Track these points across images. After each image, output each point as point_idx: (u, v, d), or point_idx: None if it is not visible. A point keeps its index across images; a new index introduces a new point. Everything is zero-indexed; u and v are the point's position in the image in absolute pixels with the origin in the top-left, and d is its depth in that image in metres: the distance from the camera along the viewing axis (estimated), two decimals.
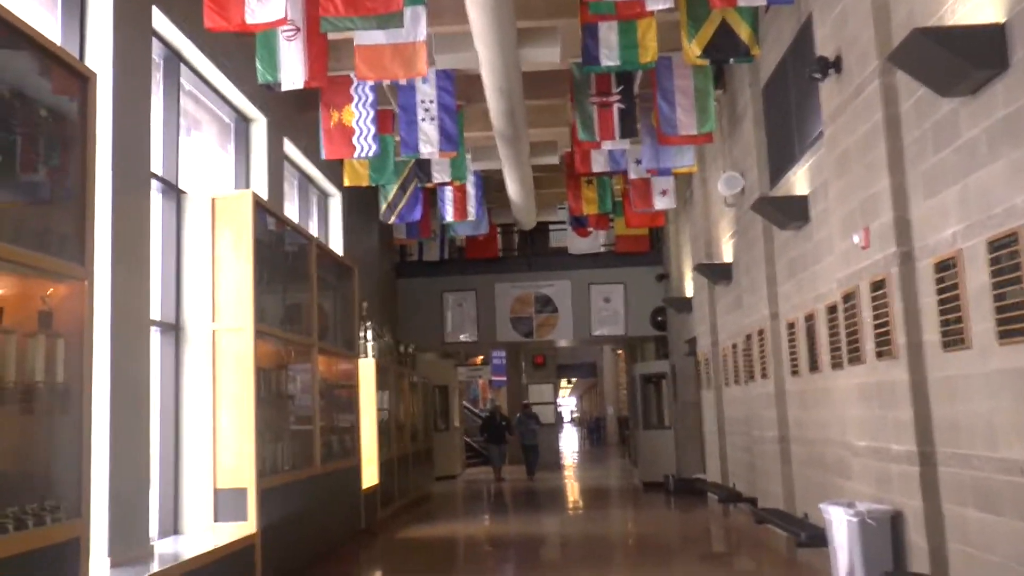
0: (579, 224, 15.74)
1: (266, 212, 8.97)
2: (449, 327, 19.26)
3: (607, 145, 10.66)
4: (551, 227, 21.41)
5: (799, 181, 8.42)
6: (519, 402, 26.32)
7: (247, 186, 10.66)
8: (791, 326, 8.88)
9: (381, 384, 14.45)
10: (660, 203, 13.80)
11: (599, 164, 11.70)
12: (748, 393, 10.96)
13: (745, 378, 11.13)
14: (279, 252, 9.73)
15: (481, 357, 33.57)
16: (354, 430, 12.24)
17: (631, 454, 24.47)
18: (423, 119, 10.50)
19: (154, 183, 8.14)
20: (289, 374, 9.77)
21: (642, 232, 18.07)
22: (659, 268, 18.69)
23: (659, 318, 18.66)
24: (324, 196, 14.34)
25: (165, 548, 7.56)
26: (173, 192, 8.50)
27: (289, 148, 11.91)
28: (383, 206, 14.04)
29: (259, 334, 8.40)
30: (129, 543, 6.92)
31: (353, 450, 12.05)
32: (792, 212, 8.18)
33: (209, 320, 8.25)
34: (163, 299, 8.26)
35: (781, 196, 8.62)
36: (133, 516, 7.07)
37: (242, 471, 8.07)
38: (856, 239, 6.53)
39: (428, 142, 10.47)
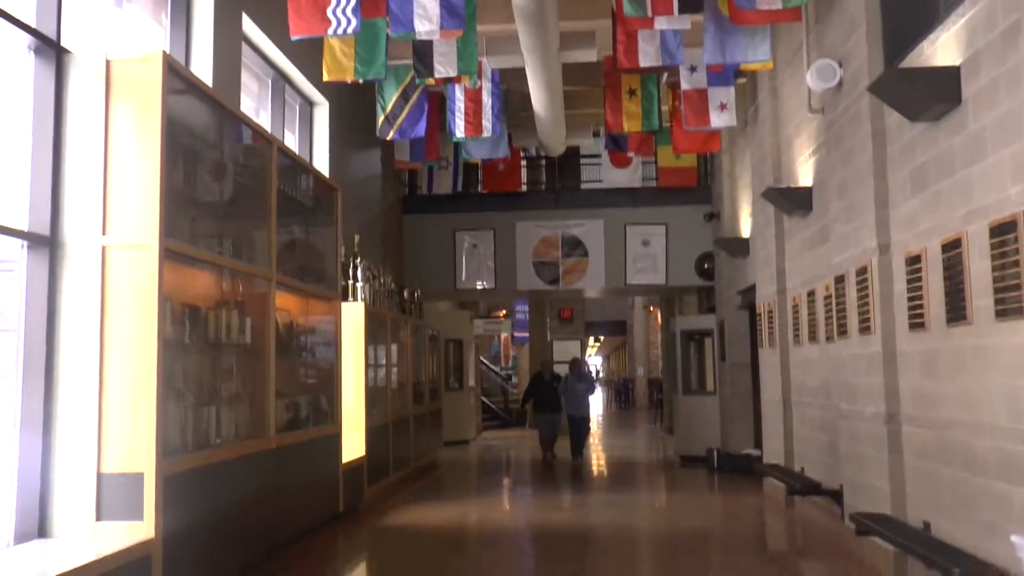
0: (617, 147, 13.14)
1: (191, 85, 6.49)
2: (463, 272, 16.75)
3: (661, 23, 8.06)
4: (583, 160, 18.81)
5: (943, 49, 5.82)
6: (542, 359, 23.88)
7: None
8: (914, 260, 6.33)
9: (374, 335, 12.07)
10: (718, 119, 11.19)
11: (648, 56, 9.08)
12: (832, 353, 8.46)
13: (828, 334, 8.62)
14: (216, 150, 7.29)
15: (504, 312, 31.32)
16: (333, 389, 9.85)
17: (664, 420, 22.10)
18: None
19: (22, 37, 5.71)
20: (230, 315, 7.36)
21: (689, 163, 15.42)
22: (708, 207, 16.04)
23: (706, 265, 16.06)
24: (308, 105, 11.83)
25: (17, 562, 5.23)
26: (51, 51, 6.05)
27: (252, 30, 9.42)
28: (380, 118, 11.58)
29: (169, 254, 5.97)
30: None
31: (330, 415, 9.68)
32: (932, 91, 5.60)
33: (97, 233, 5.81)
34: (32, 202, 5.87)
35: (914, 69, 6.00)
36: None
37: (138, 449, 5.68)
38: None
39: (425, 17, 7.96)
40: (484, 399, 25.59)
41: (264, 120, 10.55)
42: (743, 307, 14.09)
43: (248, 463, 7.27)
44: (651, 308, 36.31)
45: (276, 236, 8.00)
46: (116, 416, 5.68)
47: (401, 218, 16.56)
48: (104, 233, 5.79)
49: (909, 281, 6.44)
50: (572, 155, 17.89)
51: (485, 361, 28.97)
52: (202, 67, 8.10)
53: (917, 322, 6.32)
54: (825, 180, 8.65)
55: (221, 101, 7.04)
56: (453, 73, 9.26)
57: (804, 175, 9.57)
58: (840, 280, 7.88)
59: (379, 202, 14.58)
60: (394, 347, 13.45)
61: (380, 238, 14.65)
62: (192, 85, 6.50)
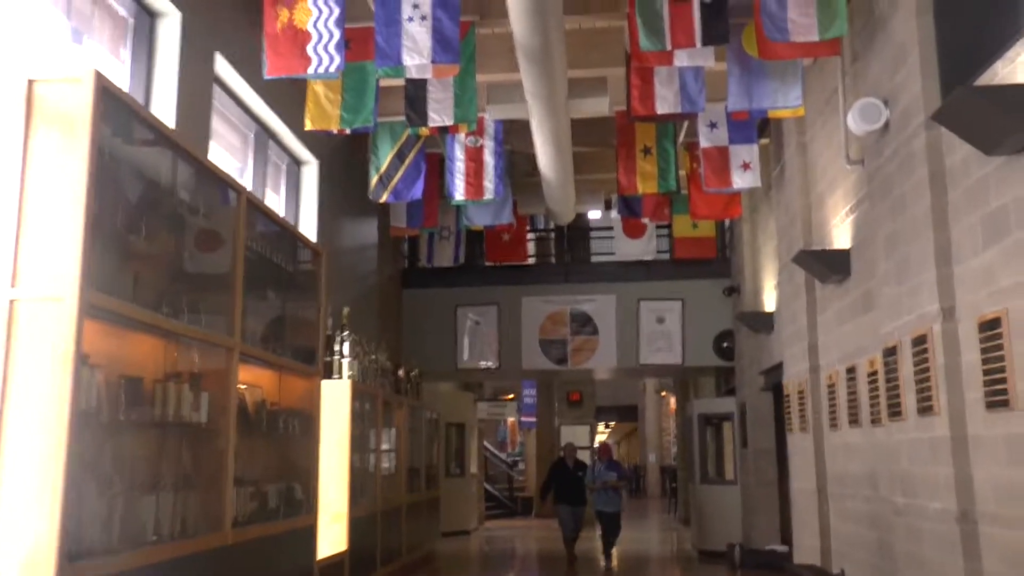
0: (630, 212, 12.16)
1: (133, 114, 5.53)
2: (465, 351, 15.64)
3: (681, 59, 7.15)
4: (592, 233, 17.85)
5: None
6: (549, 445, 22.59)
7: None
8: (989, 325, 5.26)
9: (362, 416, 10.98)
10: (740, 180, 10.28)
11: (667, 102, 8.15)
12: (880, 439, 7.33)
13: (875, 416, 7.51)
14: (168, 196, 6.30)
15: (512, 395, 30.16)
16: (309, 476, 8.69)
17: (679, 510, 20.76)
18: (409, 17, 7.11)
19: None
20: (181, 389, 6.28)
21: (707, 233, 14.42)
22: (727, 281, 14.98)
23: (725, 344, 14.93)
24: (296, 164, 10.93)
25: None
26: None
27: (229, 75, 8.54)
28: (373, 179, 10.69)
29: (96, 311, 4.94)
30: None
31: (305, 504, 8.51)
32: (1020, 111, 4.60)
33: (5, 283, 4.79)
34: None
35: (996, 86, 5.00)
36: None
37: (40, 550, 4.55)
38: None
39: (415, 50, 7.08)
40: (488, 486, 24.26)
41: (245, 179, 9.64)
42: (767, 388, 12.95)
43: (196, 564, 6.11)
44: (663, 393, 35.09)
45: (242, 300, 6.95)
46: (14, 508, 4.58)
47: (400, 292, 15.54)
48: (13, 284, 4.77)
49: (984, 350, 5.35)
50: (582, 226, 16.93)
51: (489, 447, 27.67)
52: (164, 108, 7.18)
53: (997, 399, 5.21)
54: (868, 238, 7.63)
55: (174, 138, 6.08)
56: (449, 121, 8.34)
57: (840, 236, 8.55)
58: (891, 352, 6.78)
59: (375, 274, 13.59)
60: (386, 430, 12.34)
61: (376, 312, 13.62)
62: (135, 114, 5.54)
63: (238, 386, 7.85)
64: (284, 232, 8.50)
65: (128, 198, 5.56)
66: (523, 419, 31.74)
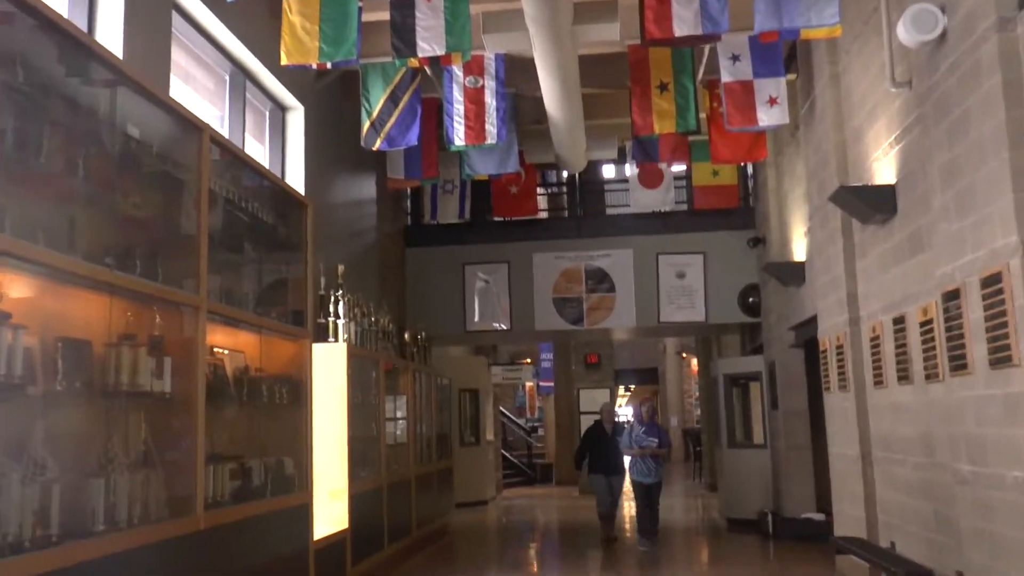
0: (646, 156, 11.22)
1: (61, 33, 4.65)
2: (475, 312, 14.77)
3: None
4: (607, 187, 16.88)
5: None
6: (567, 410, 21.77)
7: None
8: None
9: (363, 383, 10.21)
10: (767, 117, 9.39)
11: (685, 23, 7.20)
12: (938, 396, 6.46)
13: (930, 370, 6.63)
14: (109, 129, 5.43)
15: (529, 360, 29.43)
16: (302, 448, 7.91)
17: (704, 475, 19.98)
18: None
19: None
20: (137, 354, 5.47)
21: (730, 181, 13.45)
22: (751, 232, 14.01)
23: (751, 299, 13.99)
24: (280, 110, 10.04)
25: None
26: None
27: (196, 7, 7.65)
28: (365, 124, 9.81)
29: (11, 261, 4.13)
30: None
31: (297, 480, 7.73)
32: None
33: None
34: None
35: None
36: None
37: None
38: None
39: None
40: (506, 453, 23.54)
41: (223, 127, 8.80)
42: (798, 345, 12.06)
43: (162, 552, 5.35)
44: (684, 354, 34.24)
45: (208, 253, 6.12)
46: None
47: (403, 251, 14.67)
48: None
49: None
50: (595, 178, 15.97)
51: (506, 412, 26.93)
52: (111, 35, 6.31)
53: None
54: (918, 170, 6.70)
55: (113, 61, 5.21)
56: (441, 51, 7.43)
57: (883, 171, 7.62)
58: (951, 297, 5.88)
59: (374, 231, 12.74)
60: (392, 397, 11.56)
61: (376, 273, 12.80)
62: (66, 34, 4.68)
63: (216, 351, 7.11)
64: (262, 180, 7.66)
65: (56, 130, 4.73)
66: (541, 384, 30.99)
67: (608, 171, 17.85)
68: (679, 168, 14.97)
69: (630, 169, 14.23)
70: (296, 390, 7.93)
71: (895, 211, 7.33)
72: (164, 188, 6.00)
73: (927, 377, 6.71)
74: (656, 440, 11.67)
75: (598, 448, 11.91)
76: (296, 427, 7.93)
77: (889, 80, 6.96)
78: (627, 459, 11.96)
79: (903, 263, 7.20)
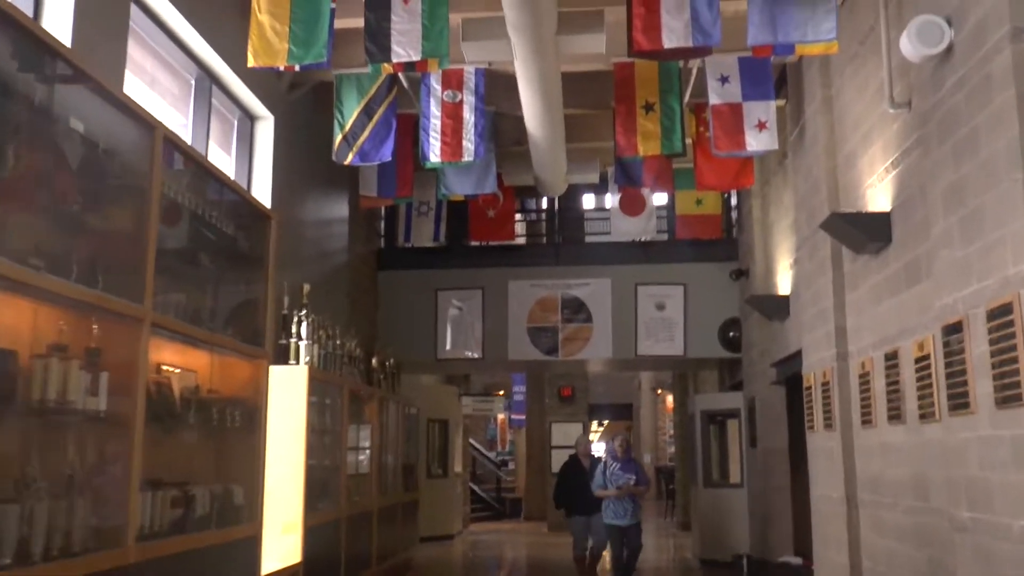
0: (628, 180, 10.82)
1: None
2: (447, 340, 14.26)
3: None
4: (587, 215, 16.48)
5: None
6: (539, 444, 21.24)
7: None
8: None
9: (324, 409, 9.70)
10: (755, 142, 9.05)
11: (675, 35, 6.81)
12: (935, 436, 6.06)
13: (926, 409, 6.23)
14: (47, 121, 4.96)
15: (502, 391, 28.94)
16: (253, 476, 7.38)
17: (676, 514, 19.49)
18: None
19: None
20: (68, 367, 4.96)
21: (713, 210, 13.10)
22: (734, 264, 13.62)
23: (731, 333, 13.59)
24: (248, 119, 9.59)
25: None
26: None
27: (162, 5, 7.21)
28: (337, 138, 9.39)
29: None
30: None
31: (247, 510, 7.20)
32: None
33: None
34: None
35: None
36: None
37: None
38: None
39: None
40: (474, 487, 22.99)
41: (186, 134, 8.33)
42: (779, 382, 11.65)
43: None
44: (659, 391, 33.83)
45: (154, 259, 5.63)
46: None
47: (375, 274, 14.18)
48: None
49: None
50: (574, 205, 15.56)
51: (476, 444, 26.37)
52: (59, 23, 5.85)
53: None
54: (917, 195, 6.34)
55: (58, 47, 4.75)
56: (416, 56, 7.02)
57: (878, 199, 7.26)
58: (953, 330, 5.48)
59: (344, 252, 12.26)
60: (356, 425, 11.04)
61: (346, 295, 12.31)
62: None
63: (165, 369, 6.61)
64: (221, 188, 7.19)
65: None
66: (513, 417, 30.43)
67: (588, 201, 17.48)
68: (661, 201, 14.64)
69: (611, 200, 13.86)
70: (250, 414, 7.39)
71: (890, 240, 6.95)
72: (109, 189, 5.53)
73: (922, 416, 6.30)
74: (633, 477, 10.31)
75: (576, 486, 10.79)
76: (248, 454, 7.39)
77: (888, 100, 6.61)
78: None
79: (898, 295, 6.81)
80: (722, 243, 14.03)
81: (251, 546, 7.21)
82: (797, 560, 11.00)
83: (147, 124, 5.65)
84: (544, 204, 16.00)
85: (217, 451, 7.18)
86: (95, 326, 5.30)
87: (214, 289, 7.18)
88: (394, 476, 12.70)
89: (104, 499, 5.32)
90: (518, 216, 15.78)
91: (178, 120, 8.40)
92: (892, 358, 6.88)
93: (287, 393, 8.66)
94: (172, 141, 5.97)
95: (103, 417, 5.19)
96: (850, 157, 8.05)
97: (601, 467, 10.38)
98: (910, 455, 6.56)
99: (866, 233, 7.09)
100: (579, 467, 11.00)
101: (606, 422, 39.55)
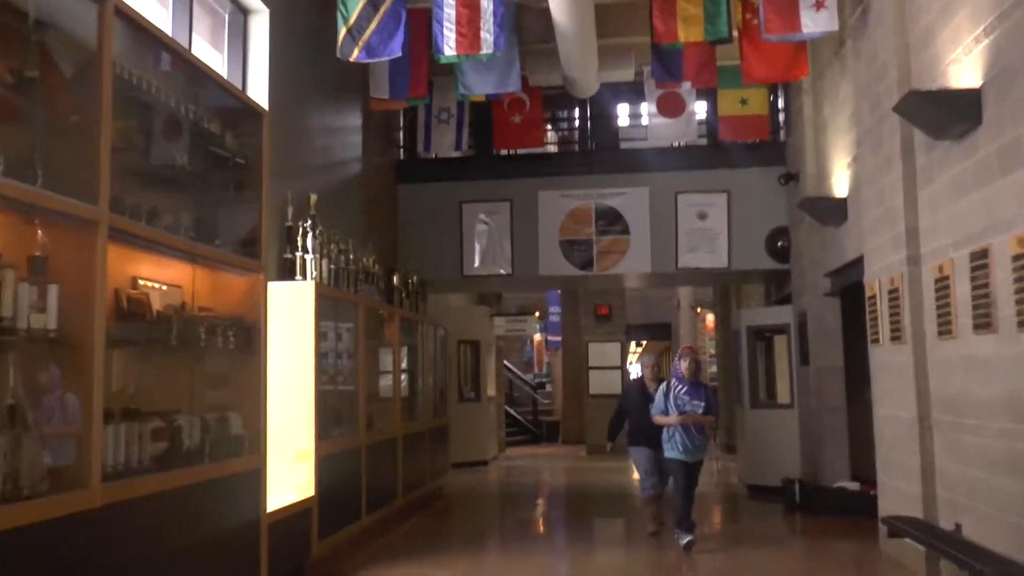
0: (667, 74, 9.74)
1: None
2: (475, 256, 13.37)
3: None
4: (621, 119, 15.34)
5: None
6: (576, 365, 20.51)
7: None
8: None
9: (338, 329, 8.96)
10: (812, 23, 8.04)
11: None
12: None
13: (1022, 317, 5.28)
14: None
15: (538, 313, 28.18)
16: (255, 402, 6.62)
17: (718, 437, 18.68)
18: None
19: None
20: (1, 277, 4.17)
21: (759, 110, 11.99)
22: (781, 168, 12.51)
23: (779, 242, 12.54)
24: (240, 12, 8.62)
25: None
26: None
27: None
28: (341, 31, 8.43)
29: None
30: None
31: (247, 442, 6.45)
32: None
33: None
34: None
35: None
36: None
37: None
38: None
39: None
40: (510, 409, 22.36)
41: (166, 25, 7.41)
42: (834, 293, 10.71)
43: (44, 536, 4.11)
44: (699, 309, 32.87)
45: (109, 152, 4.77)
46: None
47: (394, 187, 13.25)
48: None
49: None
50: (609, 108, 14.40)
51: (511, 367, 25.71)
52: None
53: None
54: (1020, 64, 5.31)
55: None
56: None
57: (962, 75, 6.21)
58: None
59: (358, 162, 11.34)
60: (376, 347, 10.29)
61: (362, 209, 11.44)
62: None
63: (144, 284, 5.84)
64: (199, 77, 6.29)
65: None
66: (549, 338, 29.70)
67: (623, 110, 16.34)
68: (701, 111, 13.55)
69: (648, 107, 12.79)
70: (248, 334, 6.62)
71: (979, 121, 5.92)
72: (53, 70, 4.66)
73: (1020, 323, 5.35)
74: (703, 404, 8.55)
75: (640, 413, 9.12)
76: (248, 378, 6.64)
77: None
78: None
79: (989, 184, 5.81)
80: (769, 146, 12.89)
81: (254, 480, 6.50)
82: (855, 485, 10.21)
83: None
84: (576, 113, 14.92)
85: (210, 376, 6.44)
86: (39, 231, 4.51)
87: (198, 196, 6.34)
88: (422, 401, 12.01)
89: (61, 434, 4.59)
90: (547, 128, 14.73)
91: (158, 11, 7.47)
92: (980, 257, 5.91)
93: (293, 312, 7.90)
94: (127, 15, 5.06)
95: (54, 337, 4.42)
96: (926, 33, 6.95)
97: (663, 389, 8.70)
98: (1004, 369, 5.63)
99: (950, 114, 6.07)
100: (645, 392, 9.36)
101: (644, 342, 38.80)
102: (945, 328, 6.62)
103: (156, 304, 5.75)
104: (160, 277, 5.90)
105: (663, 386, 8.70)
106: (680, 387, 8.56)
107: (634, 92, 13.43)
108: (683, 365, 8.63)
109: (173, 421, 5.62)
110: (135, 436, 5.14)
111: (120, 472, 4.89)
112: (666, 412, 8.54)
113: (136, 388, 5.55)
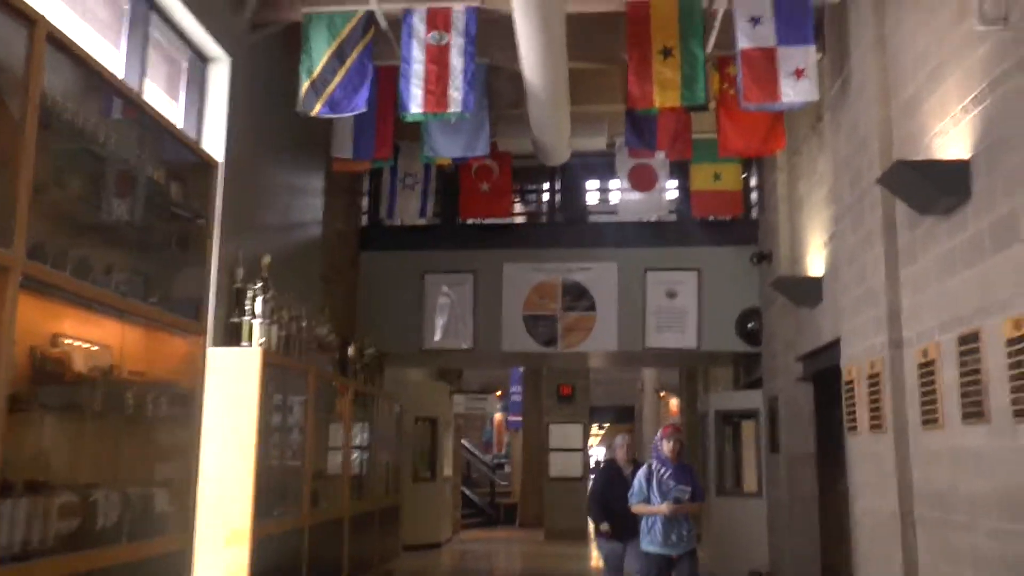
0: (640, 141, 9.46)
1: None
2: (437, 329, 12.87)
3: None
4: (591, 191, 15.05)
5: None
6: (536, 447, 19.90)
7: None
8: None
9: (288, 400, 8.42)
10: (792, 92, 7.78)
11: None
12: None
13: (1021, 405, 4.88)
14: None
15: (500, 392, 27.65)
16: (185, 476, 6.04)
17: None
18: None
19: None
20: None
21: (733, 186, 11.74)
22: (752, 247, 12.21)
23: (750, 324, 12.20)
24: (200, 61, 8.23)
25: None
26: None
27: None
28: (304, 84, 8.09)
29: None
30: None
31: (173, 520, 5.86)
32: None
33: None
34: None
35: None
36: None
37: None
38: None
39: None
40: (466, 491, 21.67)
41: (119, 69, 6.99)
42: (806, 378, 10.33)
43: None
44: (663, 393, 32.46)
45: (29, 191, 4.29)
46: None
47: (356, 255, 12.81)
48: None
49: None
50: (578, 181, 14.12)
51: (469, 446, 25.05)
52: None
53: None
54: (1014, 134, 5.01)
55: None
56: None
57: (949, 147, 5.92)
58: None
59: (318, 226, 10.89)
60: (325, 421, 9.72)
61: (320, 275, 10.97)
62: None
63: (68, 343, 5.31)
64: (144, 119, 5.85)
65: None
66: (510, 418, 29.05)
67: (593, 183, 16.11)
68: (673, 183, 13.34)
69: (619, 180, 12.53)
70: (182, 402, 6.07)
71: (968, 194, 5.61)
72: None
73: (1016, 413, 4.95)
74: (689, 489, 7.55)
75: (613, 499, 8.17)
76: (179, 450, 6.08)
77: (976, 16, 5.26)
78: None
79: (980, 262, 5.46)
80: (741, 224, 12.64)
81: (178, 563, 5.86)
82: None
83: (23, 16, 4.33)
84: (545, 185, 14.64)
85: (137, 446, 5.87)
86: None
87: (136, 249, 5.85)
88: (374, 479, 11.39)
89: None
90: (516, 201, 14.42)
91: (113, 54, 7.07)
92: (971, 340, 5.53)
93: (236, 379, 7.36)
94: (61, 43, 4.63)
95: None
96: (910, 103, 6.70)
97: (644, 473, 7.65)
98: (997, 462, 5.21)
99: (938, 186, 5.74)
100: (618, 475, 8.41)
101: (607, 425, 38.24)
102: (930, 417, 6.22)
103: (79, 365, 5.21)
104: (87, 336, 5.37)
105: (643, 470, 7.71)
106: (664, 470, 7.55)
107: (605, 166, 13.17)
108: (667, 446, 7.63)
109: (89, 496, 5.04)
110: (39, 512, 4.56)
111: (17, 555, 4.31)
112: (648, 500, 7.54)
113: (49, 458, 4.99)
